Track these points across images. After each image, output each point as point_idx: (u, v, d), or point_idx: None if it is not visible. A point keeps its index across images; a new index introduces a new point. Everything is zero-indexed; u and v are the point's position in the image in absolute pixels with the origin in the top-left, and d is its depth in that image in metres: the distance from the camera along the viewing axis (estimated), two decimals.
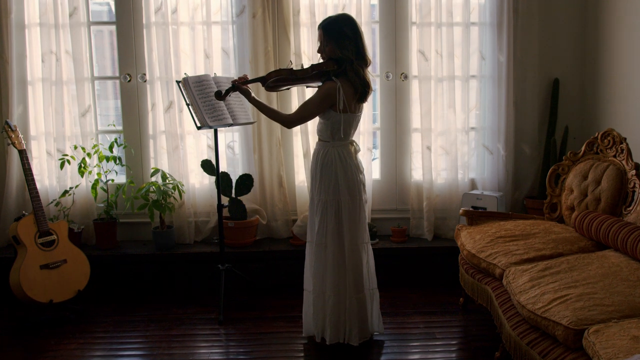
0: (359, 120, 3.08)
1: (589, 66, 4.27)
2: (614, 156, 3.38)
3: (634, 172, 3.22)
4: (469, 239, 3.35)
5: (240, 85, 3.08)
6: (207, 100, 3.51)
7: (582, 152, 3.57)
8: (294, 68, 3.00)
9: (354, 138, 3.14)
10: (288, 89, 3.23)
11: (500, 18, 4.11)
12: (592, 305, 2.30)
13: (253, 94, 3.12)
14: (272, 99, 4.07)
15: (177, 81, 3.60)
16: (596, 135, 3.50)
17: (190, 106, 3.51)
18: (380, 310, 3.23)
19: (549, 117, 4.25)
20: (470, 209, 3.76)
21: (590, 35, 4.24)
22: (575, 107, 4.33)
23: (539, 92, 4.26)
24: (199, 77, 3.58)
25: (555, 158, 4.12)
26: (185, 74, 3.82)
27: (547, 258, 2.93)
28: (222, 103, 3.53)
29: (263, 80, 3.04)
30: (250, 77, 3.96)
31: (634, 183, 3.21)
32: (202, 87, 3.53)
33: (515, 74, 4.16)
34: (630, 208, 3.19)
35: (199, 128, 3.50)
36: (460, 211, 3.65)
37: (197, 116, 3.49)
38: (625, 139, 3.30)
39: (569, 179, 3.56)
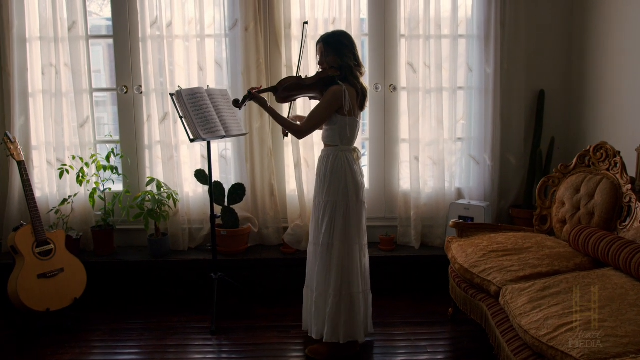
0: (360, 128, 3.01)
1: (574, 78, 4.06)
2: (607, 169, 3.16)
3: (629, 186, 3.00)
4: (461, 253, 3.13)
5: (256, 94, 2.99)
6: (200, 112, 3.33)
7: (573, 164, 3.35)
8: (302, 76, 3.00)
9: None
10: (295, 99, 3.13)
11: (488, 31, 3.91)
12: (604, 336, 2.02)
13: (269, 103, 3.02)
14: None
15: (170, 94, 3.40)
16: (588, 148, 3.28)
17: (183, 119, 3.34)
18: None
19: (534, 128, 4.06)
20: (460, 220, 3.53)
21: (576, 48, 4.03)
22: (560, 119, 4.14)
23: (525, 103, 4.07)
24: (192, 89, 3.41)
25: (541, 168, 3.91)
26: (179, 86, 3.63)
27: (544, 276, 2.69)
28: (215, 115, 3.32)
29: (275, 89, 2.98)
30: (247, 89, 3.76)
31: (630, 197, 3.00)
32: (195, 99, 3.35)
33: (501, 86, 3.99)
34: (626, 223, 2.98)
35: (192, 141, 3.32)
36: (450, 223, 3.43)
37: (190, 129, 3.32)
38: (619, 152, 3.10)
39: (560, 192, 3.33)
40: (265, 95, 3.04)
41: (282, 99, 3.01)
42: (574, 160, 3.35)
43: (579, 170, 3.32)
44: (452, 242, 3.32)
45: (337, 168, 2.90)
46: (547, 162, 3.96)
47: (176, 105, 3.35)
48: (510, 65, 3.96)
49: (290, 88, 2.94)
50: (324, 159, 2.97)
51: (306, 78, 2.95)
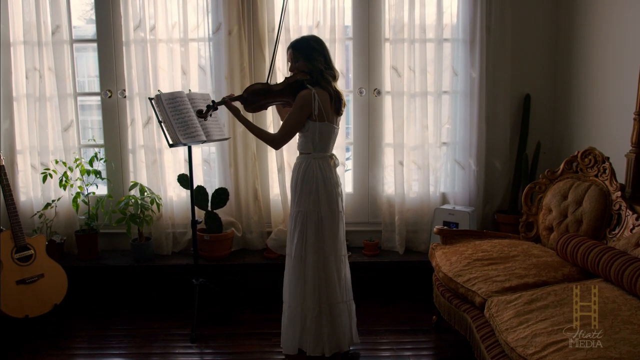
0: (336, 134, 2.81)
1: (560, 82, 3.85)
2: (596, 176, 2.96)
3: (619, 193, 2.79)
4: (445, 261, 2.92)
5: (228, 102, 2.80)
6: (180, 117, 3.12)
7: (560, 170, 3.14)
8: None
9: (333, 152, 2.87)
10: (266, 107, 2.89)
11: (473, 35, 3.72)
12: (596, 358, 1.81)
13: (242, 112, 2.84)
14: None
15: (149, 98, 3.18)
16: (576, 153, 3.08)
17: (162, 123, 3.10)
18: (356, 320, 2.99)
19: (520, 133, 3.86)
20: (444, 227, 3.31)
21: (562, 52, 3.83)
22: (546, 123, 3.95)
23: (511, 107, 3.88)
24: (172, 94, 3.23)
25: (526, 173, 3.70)
26: (158, 90, 3.42)
27: (530, 287, 2.50)
28: (196, 120, 3.10)
29: (242, 98, 2.78)
30: (228, 94, 3.54)
31: (620, 205, 2.79)
32: (175, 104, 3.16)
33: (487, 90, 3.80)
34: (616, 232, 2.79)
35: (171, 146, 3.08)
36: (435, 229, 3.23)
37: (169, 134, 3.14)
38: (608, 158, 2.90)
39: (547, 198, 3.12)
40: (237, 104, 2.83)
41: (252, 108, 2.80)
42: (561, 166, 3.15)
43: (567, 176, 3.11)
44: (436, 249, 3.11)
45: (308, 177, 2.70)
46: (533, 167, 3.77)
47: (155, 110, 3.14)
48: (495, 69, 3.78)
49: (258, 95, 2.73)
50: (295, 167, 2.79)
51: (274, 84, 2.76)
